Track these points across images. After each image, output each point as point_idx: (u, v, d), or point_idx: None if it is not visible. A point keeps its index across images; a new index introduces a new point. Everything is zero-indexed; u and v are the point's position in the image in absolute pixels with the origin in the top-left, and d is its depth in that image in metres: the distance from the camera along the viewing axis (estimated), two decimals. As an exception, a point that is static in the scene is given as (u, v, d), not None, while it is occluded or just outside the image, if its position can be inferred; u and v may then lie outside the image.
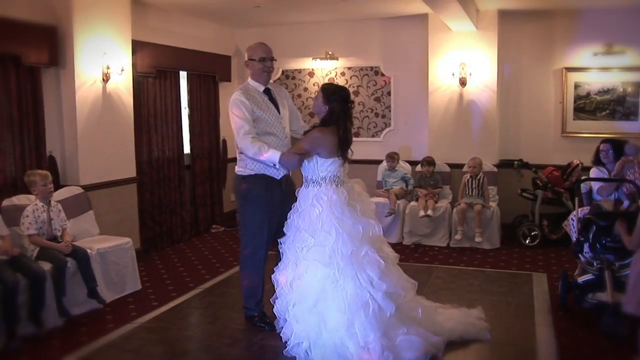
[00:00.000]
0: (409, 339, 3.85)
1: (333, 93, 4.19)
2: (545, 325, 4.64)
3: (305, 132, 4.36)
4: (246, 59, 4.50)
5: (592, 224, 4.73)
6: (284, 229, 4.20)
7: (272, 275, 4.25)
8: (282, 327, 4.12)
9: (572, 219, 5.40)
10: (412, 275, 4.74)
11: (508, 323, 4.67)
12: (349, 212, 4.03)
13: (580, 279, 4.93)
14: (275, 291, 4.20)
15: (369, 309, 3.80)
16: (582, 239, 4.85)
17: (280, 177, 4.36)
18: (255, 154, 4.17)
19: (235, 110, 4.26)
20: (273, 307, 4.20)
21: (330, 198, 4.04)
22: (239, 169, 4.48)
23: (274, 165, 4.20)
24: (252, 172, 4.37)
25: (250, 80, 4.51)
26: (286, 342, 4.04)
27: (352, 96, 4.38)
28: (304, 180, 4.23)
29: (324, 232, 3.94)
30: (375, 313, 3.81)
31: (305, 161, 4.15)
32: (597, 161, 5.77)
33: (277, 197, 4.38)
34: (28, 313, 4.52)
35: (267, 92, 4.49)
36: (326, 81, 8.56)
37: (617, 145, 5.71)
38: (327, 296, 3.87)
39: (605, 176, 5.55)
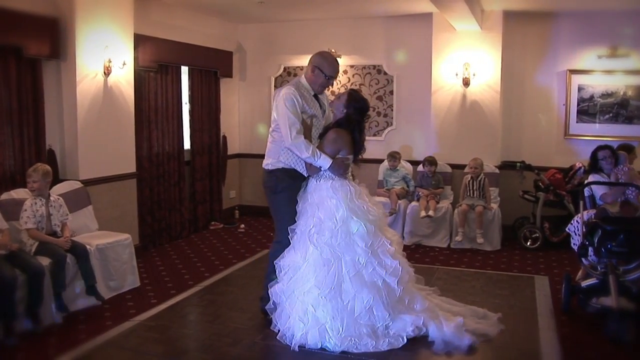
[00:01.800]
0: (403, 317, 4.25)
1: (356, 101, 4.45)
2: (548, 329, 4.61)
3: (321, 135, 4.49)
4: (314, 64, 4.45)
5: (598, 228, 4.68)
6: (295, 218, 4.42)
7: (275, 261, 4.37)
8: (272, 309, 4.40)
9: (576, 221, 5.35)
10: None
11: (511, 326, 4.62)
12: (362, 204, 4.36)
13: (584, 283, 4.89)
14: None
15: (382, 293, 4.17)
16: (587, 242, 4.81)
17: (307, 175, 4.47)
18: (308, 157, 4.28)
19: (290, 106, 4.29)
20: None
21: (346, 190, 4.33)
22: (267, 163, 4.54)
23: (320, 168, 4.32)
24: (281, 166, 4.45)
25: (303, 80, 4.52)
26: (276, 325, 4.31)
27: (370, 110, 4.73)
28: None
29: (344, 221, 4.23)
30: (387, 296, 4.19)
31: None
32: (595, 168, 5.65)
33: (299, 191, 4.54)
34: (26, 309, 4.46)
35: (315, 95, 4.58)
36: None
37: (614, 152, 5.66)
38: (347, 282, 4.16)
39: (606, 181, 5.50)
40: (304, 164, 4.43)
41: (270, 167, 4.51)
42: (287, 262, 4.31)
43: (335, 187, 4.31)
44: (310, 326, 4.12)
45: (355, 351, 4.04)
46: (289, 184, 4.47)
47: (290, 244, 4.39)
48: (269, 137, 4.56)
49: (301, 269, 4.23)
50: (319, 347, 4.09)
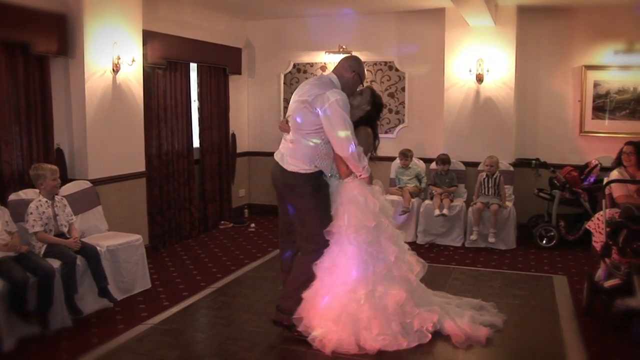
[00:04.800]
0: (421, 312, 4.26)
1: (375, 97, 4.46)
2: (572, 331, 4.49)
3: None
4: (354, 69, 4.30)
5: (623, 228, 4.55)
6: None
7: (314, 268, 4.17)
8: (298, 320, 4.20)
9: (598, 219, 5.23)
10: (430, 277, 4.80)
11: (534, 328, 4.53)
12: (386, 201, 4.47)
13: (607, 284, 4.75)
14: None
15: (410, 289, 4.22)
16: (611, 242, 4.68)
17: (338, 178, 4.34)
18: (364, 167, 4.16)
19: (348, 113, 4.09)
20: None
21: (371, 187, 4.27)
22: (303, 168, 4.18)
23: (359, 175, 4.21)
24: (318, 169, 4.22)
25: (336, 81, 4.26)
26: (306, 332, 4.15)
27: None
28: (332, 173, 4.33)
29: (378, 218, 4.19)
30: (412, 291, 4.24)
31: None
32: (619, 163, 5.59)
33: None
34: (35, 312, 4.33)
35: None
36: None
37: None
38: (381, 280, 4.14)
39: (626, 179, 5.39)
40: (331, 168, 4.29)
41: (310, 171, 4.18)
42: (326, 263, 4.15)
43: (362, 184, 4.22)
44: (345, 328, 4.02)
45: (390, 350, 4.01)
46: (327, 185, 4.30)
47: (327, 246, 4.20)
48: (303, 142, 4.15)
49: (341, 270, 4.12)
50: (356, 349, 3.98)
